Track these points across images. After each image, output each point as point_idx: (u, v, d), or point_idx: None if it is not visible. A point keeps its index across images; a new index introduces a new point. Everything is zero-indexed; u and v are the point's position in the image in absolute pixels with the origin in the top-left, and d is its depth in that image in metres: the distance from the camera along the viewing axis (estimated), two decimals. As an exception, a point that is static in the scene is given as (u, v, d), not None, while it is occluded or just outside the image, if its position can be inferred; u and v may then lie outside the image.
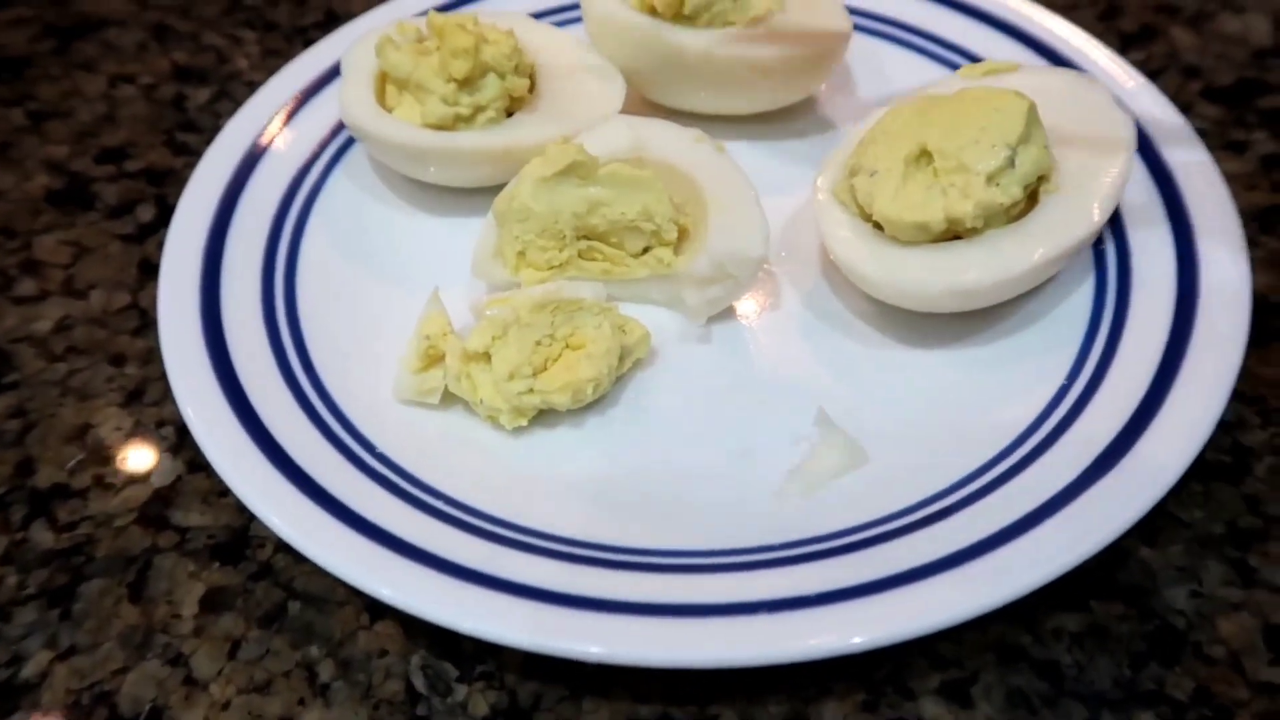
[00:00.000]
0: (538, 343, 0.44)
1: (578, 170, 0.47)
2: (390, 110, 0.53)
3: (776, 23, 0.55)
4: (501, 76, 0.52)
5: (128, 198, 0.61)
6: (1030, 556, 0.38)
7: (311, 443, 0.43)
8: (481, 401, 0.44)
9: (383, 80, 0.54)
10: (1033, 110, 0.46)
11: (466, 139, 0.52)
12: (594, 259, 0.50)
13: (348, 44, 0.61)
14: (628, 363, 0.47)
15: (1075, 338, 0.47)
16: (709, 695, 0.39)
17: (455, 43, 0.50)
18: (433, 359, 0.46)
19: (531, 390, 0.44)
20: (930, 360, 0.48)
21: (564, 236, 0.49)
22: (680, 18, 0.56)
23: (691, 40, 0.55)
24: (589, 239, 0.50)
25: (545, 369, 0.45)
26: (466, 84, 0.51)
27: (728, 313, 0.50)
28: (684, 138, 0.51)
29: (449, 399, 0.46)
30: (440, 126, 0.52)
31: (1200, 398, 0.42)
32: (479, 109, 0.52)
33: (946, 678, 0.39)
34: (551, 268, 0.50)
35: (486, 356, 0.44)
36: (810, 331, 0.50)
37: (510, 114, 0.54)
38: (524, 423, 0.45)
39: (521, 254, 0.49)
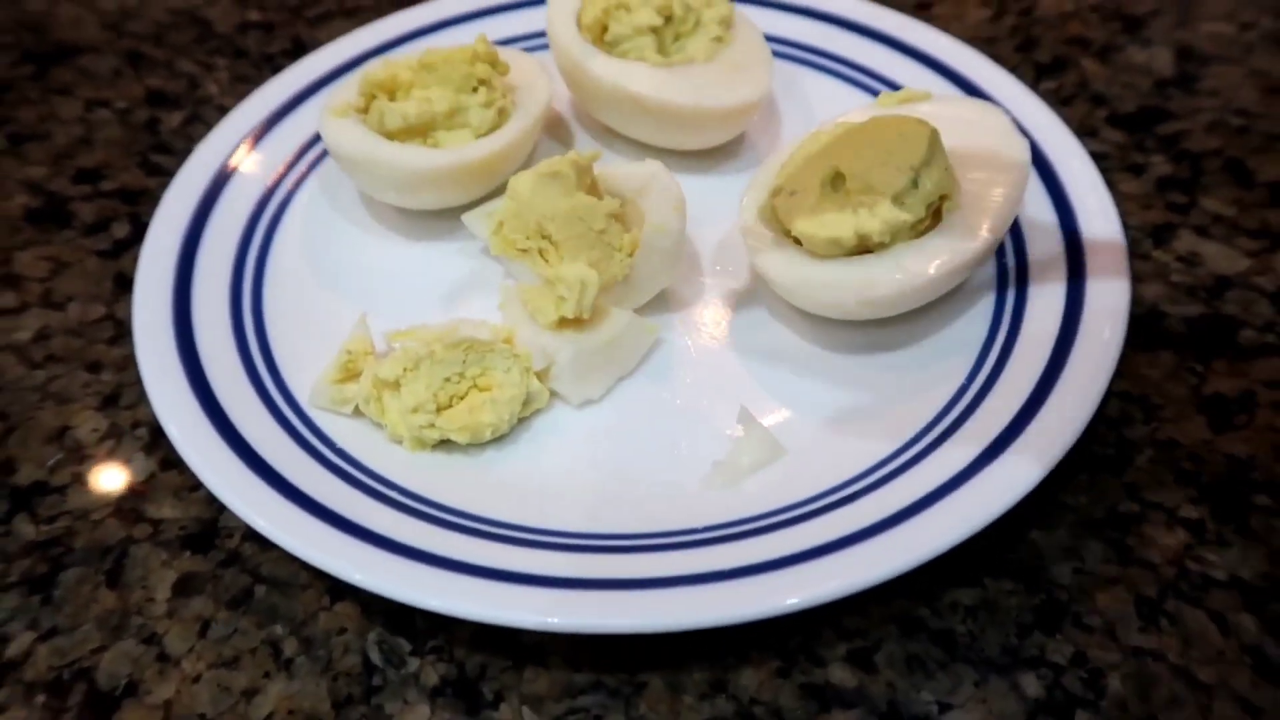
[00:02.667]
0: (447, 379, 0.48)
1: (560, 180, 0.52)
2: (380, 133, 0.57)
3: (692, 73, 0.60)
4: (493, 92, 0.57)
5: (103, 215, 0.64)
6: (923, 533, 0.42)
7: (276, 440, 0.47)
8: (387, 426, 0.48)
9: (364, 106, 0.58)
10: (935, 136, 0.51)
11: (458, 154, 0.56)
12: (541, 262, 0.54)
13: (312, 70, 0.66)
14: (529, 409, 0.50)
15: (976, 341, 0.52)
16: (637, 664, 0.43)
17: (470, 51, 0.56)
18: (350, 373, 0.50)
19: (433, 425, 0.47)
20: (845, 363, 0.52)
21: (530, 228, 0.53)
22: (602, 43, 0.61)
23: (605, 69, 0.59)
24: (548, 240, 0.54)
25: (450, 405, 0.48)
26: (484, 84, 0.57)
27: (662, 319, 0.55)
28: (643, 170, 0.56)
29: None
30: (426, 128, 0.56)
31: (1081, 393, 0.47)
32: (487, 104, 0.57)
33: (852, 646, 0.43)
34: (515, 249, 0.54)
35: (397, 385, 0.48)
36: (738, 337, 0.54)
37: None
38: (425, 450, 0.48)
39: (501, 224, 0.54)
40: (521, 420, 0.49)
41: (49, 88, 0.74)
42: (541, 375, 0.50)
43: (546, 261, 0.54)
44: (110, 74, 0.76)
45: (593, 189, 0.54)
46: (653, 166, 0.56)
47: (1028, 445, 0.45)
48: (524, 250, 0.54)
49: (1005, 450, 0.45)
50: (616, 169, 0.56)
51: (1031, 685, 0.42)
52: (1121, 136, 0.68)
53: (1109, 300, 0.51)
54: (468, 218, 0.57)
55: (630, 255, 0.52)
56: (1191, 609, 0.44)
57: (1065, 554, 0.46)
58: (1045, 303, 0.52)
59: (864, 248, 0.50)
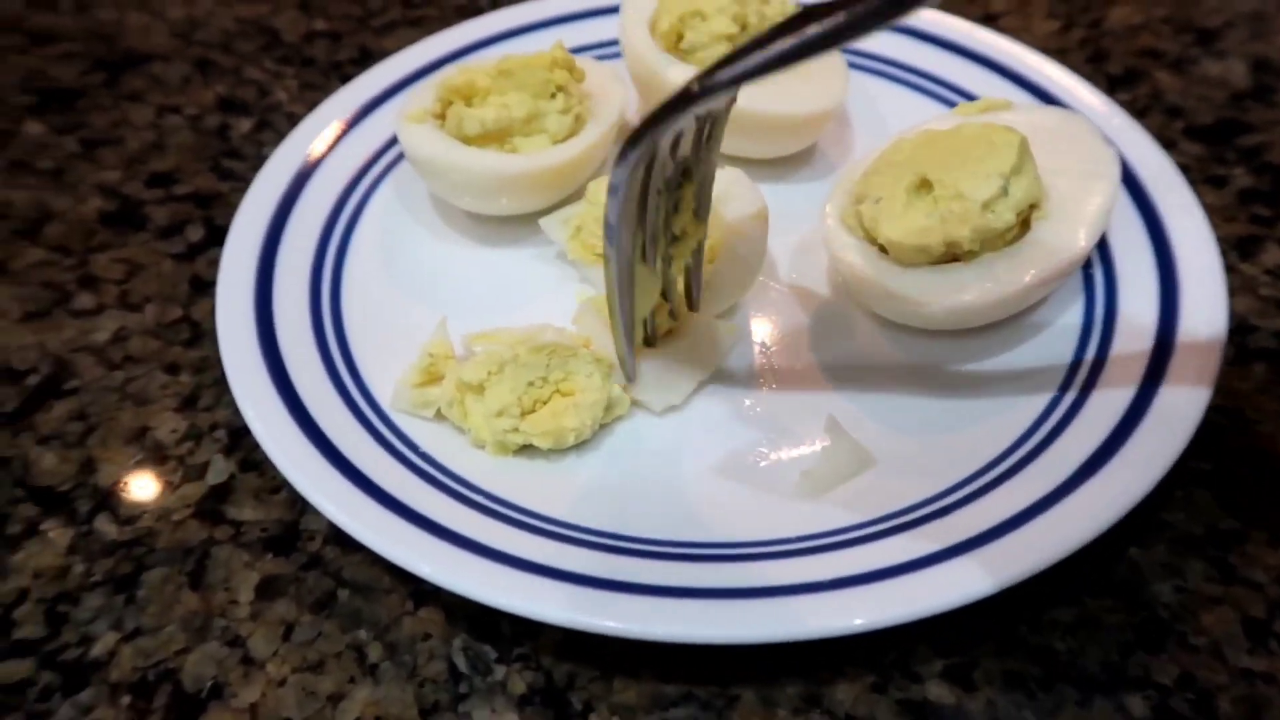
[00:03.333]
0: (530, 383, 0.48)
1: None
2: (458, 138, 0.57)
3: (767, 80, 0.59)
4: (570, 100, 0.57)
5: (177, 219, 0.64)
6: (1022, 549, 0.41)
7: (359, 440, 0.47)
8: (470, 430, 0.48)
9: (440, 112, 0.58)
10: (1024, 143, 0.50)
11: (536, 159, 0.56)
12: None
13: (386, 77, 0.67)
14: (611, 415, 0.49)
15: (1066, 354, 0.51)
16: (729, 676, 0.42)
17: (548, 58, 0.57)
18: (432, 376, 0.49)
19: (517, 430, 0.47)
20: (931, 373, 0.51)
21: None
22: (678, 50, 0.60)
23: (680, 77, 0.59)
24: None
25: (533, 410, 0.48)
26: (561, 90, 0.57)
27: (741, 325, 0.54)
28: (722, 177, 0.55)
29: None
30: (504, 134, 0.56)
31: (1179, 410, 0.46)
32: (565, 110, 0.57)
33: (949, 663, 0.42)
34: (593, 254, 0.54)
35: (481, 388, 0.47)
36: (820, 346, 0.53)
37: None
38: (508, 455, 0.48)
39: (579, 229, 0.54)
40: (603, 426, 0.49)
41: (120, 94, 0.75)
42: (624, 384, 0.49)
43: None
44: (180, 81, 0.76)
45: None
46: (733, 173, 0.55)
47: (1126, 462, 0.44)
48: (601, 255, 0.54)
49: (1103, 467, 0.44)
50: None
51: (1138, 706, 0.41)
52: (1200, 149, 0.67)
53: (1204, 312, 0.50)
54: (545, 222, 0.56)
55: (711, 262, 0.52)
56: (1302, 630, 0.43)
57: (1166, 572, 0.45)
58: (1137, 314, 0.51)
59: (952, 255, 0.50)
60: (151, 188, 0.67)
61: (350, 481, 0.44)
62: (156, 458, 0.51)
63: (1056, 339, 0.52)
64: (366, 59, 0.78)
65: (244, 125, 0.72)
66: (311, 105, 0.72)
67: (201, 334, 0.57)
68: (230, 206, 0.64)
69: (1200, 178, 0.65)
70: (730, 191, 0.54)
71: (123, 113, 0.74)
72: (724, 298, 0.53)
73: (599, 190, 0.53)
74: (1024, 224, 0.50)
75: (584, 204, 0.55)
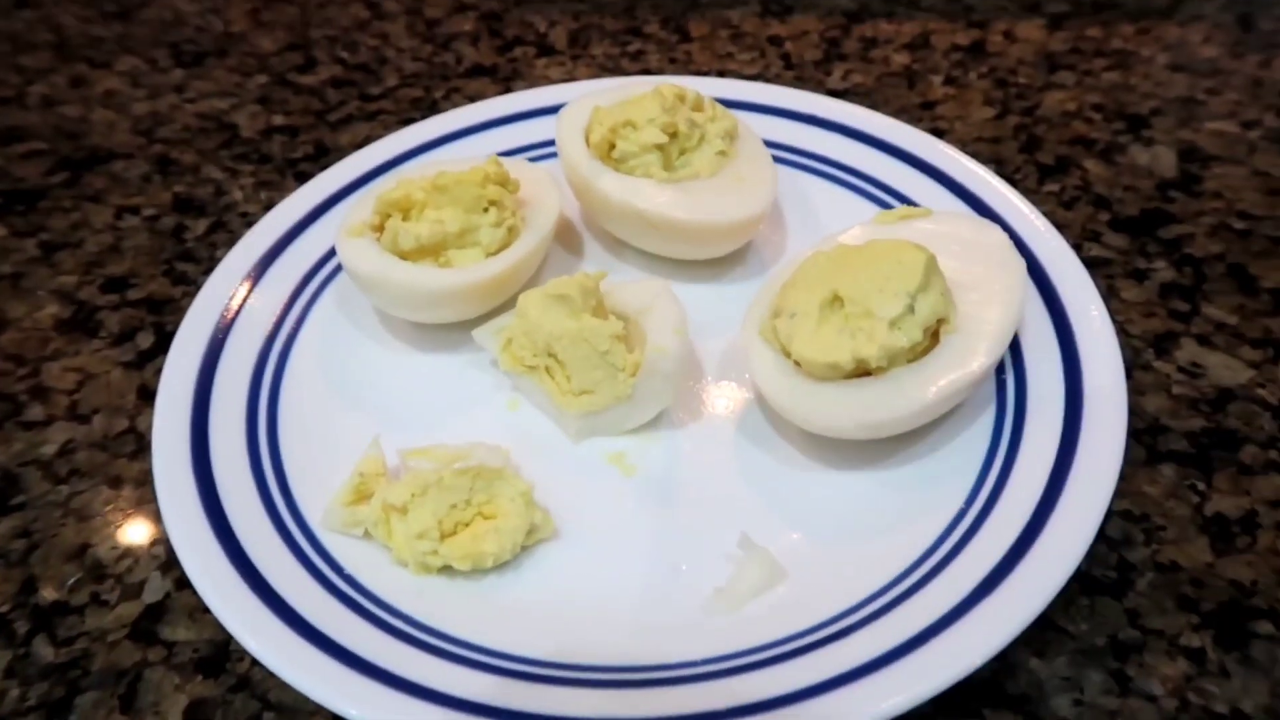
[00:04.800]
0: (453, 505, 0.49)
1: (567, 302, 0.54)
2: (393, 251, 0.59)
3: (697, 189, 0.61)
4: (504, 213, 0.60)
5: (129, 325, 0.66)
6: (925, 668, 0.42)
7: (286, 566, 0.48)
8: (393, 549, 0.49)
9: (379, 225, 0.60)
10: (931, 261, 0.52)
11: (470, 273, 0.58)
12: (548, 379, 0.56)
13: (333, 181, 0.69)
14: (533, 538, 0.50)
15: (975, 462, 0.52)
16: (637, 799, 0.43)
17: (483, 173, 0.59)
18: (362, 495, 0.51)
19: (435, 553, 0.48)
20: (845, 481, 0.53)
21: (537, 346, 0.55)
22: (610, 159, 0.63)
23: (613, 186, 0.61)
24: (555, 359, 0.55)
25: (454, 533, 0.49)
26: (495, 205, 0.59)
27: (664, 436, 0.56)
28: (648, 289, 0.57)
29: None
30: (438, 248, 0.58)
31: (1080, 522, 0.47)
32: (498, 224, 0.59)
33: (850, 781, 0.43)
34: (523, 365, 0.56)
35: (404, 510, 0.49)
36: (741, 453, 0.55)
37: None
38: (429, 575, 0.49)
39: (509, 341, 0.56)
40: (525, 548, 0.50)
41: (82, 194, 0.78)
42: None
43: (553, 379, 0.56)
44: (139, 180, 0.79)
45: (599, 308, 0.56)
46: (657, 286, 0.57)
47: (1028, 574, 0.45)
48: (531, 367, 0.56)
49: (1005, 580, 0.45)
50: (622, 287, 0.58)
51: (1031, 826, 0.42)
52: (1124, 241, 0.69)
53: (1108, 421, 0.51)
54: (478, 334, 0.58)
55: (633, 376, 0.54)
56: (1193, 745, 0.44)
57: (1065, 684, 0.46)
58: (1044, 421, 0.53)
59: (863, 370, 0.51)
60: (106, 293, 0.69)
61: (272, 612, 0.46)
62: (95, 576, 0.52)
63: (967, 447, 0.53)
64: (322, 154, 0.80)
65: (199, 226, 0.74)
66: (266, 204, 0.75)
67: (145, 446, 0.59)
68: (181, 311, 0.66)
69: (1123, 271, 0.67)
70: (654, 304, 0.56)
71: (83, 214, 0.76)
72: (646, 409, 0.55)
73: (529, 304, 0.55)
74: (934, 337, 0.52)
75: (514, 316, 0.56)
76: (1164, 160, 0.76)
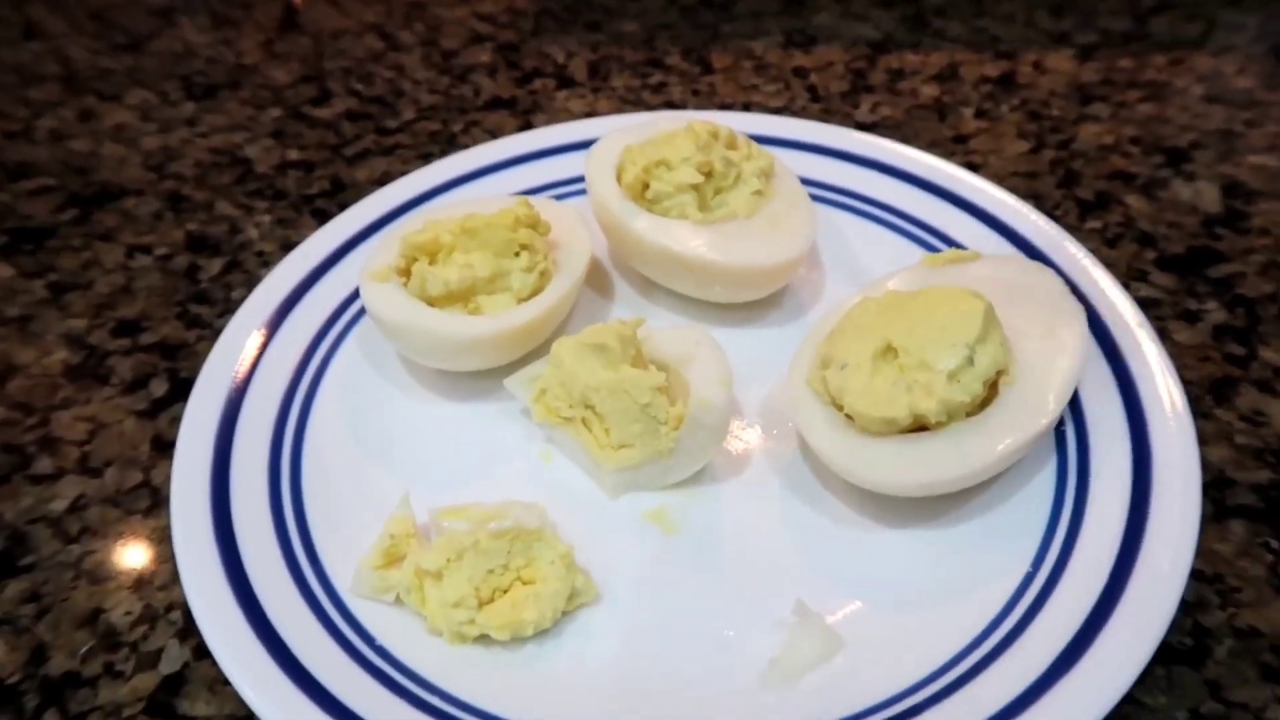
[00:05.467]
0: (490, 570, 0.46)
1: (605, 352, 0.51)
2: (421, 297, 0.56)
3: (733, 230, 0.59)
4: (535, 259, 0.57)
5: (142, 372, 0.64)
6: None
7: (313, 636, 0.45)
8: (427, 618, 0.47)
9: (405, 269, 0.57)
10: (990, 311, 0.49)
11: (501, 320, 0.55)
12: (584, 431, 0.53)
13: (354, 221, 0.66)
14: (574, 604, 0.48)
15: (1040, 522, 0.50)
16: None
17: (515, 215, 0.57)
18: (393, 558, 0.48)
19: (473, 621, 0.46)
20: (902, 541, 0.50)
21: (573, 397, 0.52)
22: (643, 200, 0.60)
23: (646, 227, 0.59)
24: (592, 410, 0.53)
25: (491, 600, 0.46)
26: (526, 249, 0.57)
27: (705, 491, 0.53)
28: (688, 338, 0.55)
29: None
30: (468, 293, 0.56)
31: (1160, 584, 0.44)
32: (529, 269, 0.56)
33: None
34: (558, 416, 0.53)
35: (439, 575, 0.46)
36: (789, 510, 0.52)
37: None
38: (464, 645, 0.46)
39: (543, 391, 0.54)
40: (565, 614, 0.48)
41: (92, 233, 0.75)
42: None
43: (590, 431, 0.53)
44: (151, 218, 0.76)
45: (637, 358, 0.53)
46: (698, 334, 0.55)
47: (1110, 645, 0.43)
48: (567, 419, 0.53)
49: (1086, 653, 0.43)
50: (661, 334, 0.55)
51: None
52: (1172, 281, 0.67)
53: (1181, 474, 0.49)
54: (510, 383, 0.56)
55: (675, 429, 0.51)
56: (1288, 832, 0.41)
57: (1147, 763, 0.44)
58: (1110, 477, 0.50)
59: (919, 425, 0.49)
60: (118, 337, 0.66)
61: (298, 686, 0.43)
62: (109, 644, 0.49)
63: (1029, 503, 0.51)
64: (338, 190, 0.78)
65: (214, 266, 0.72)
66: (281, 242, 0.72)
67: (160, 500, 0.56)
68: (196, 356, 0.63)
69: (1173, 313, 0.64)
70: (695, 354, 0.54)
71: (94, 253, 0.73)
72: (689, 464, 0.52)
73: (565, 355, 0.52)
74: (991, 389, 0.50)
75: (548, 365, 0.54)
76: (1207, 195, 0.74)
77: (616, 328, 0.53)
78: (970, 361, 0.48)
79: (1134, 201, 0.74)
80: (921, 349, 0.49)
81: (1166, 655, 0.47)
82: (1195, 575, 0.50)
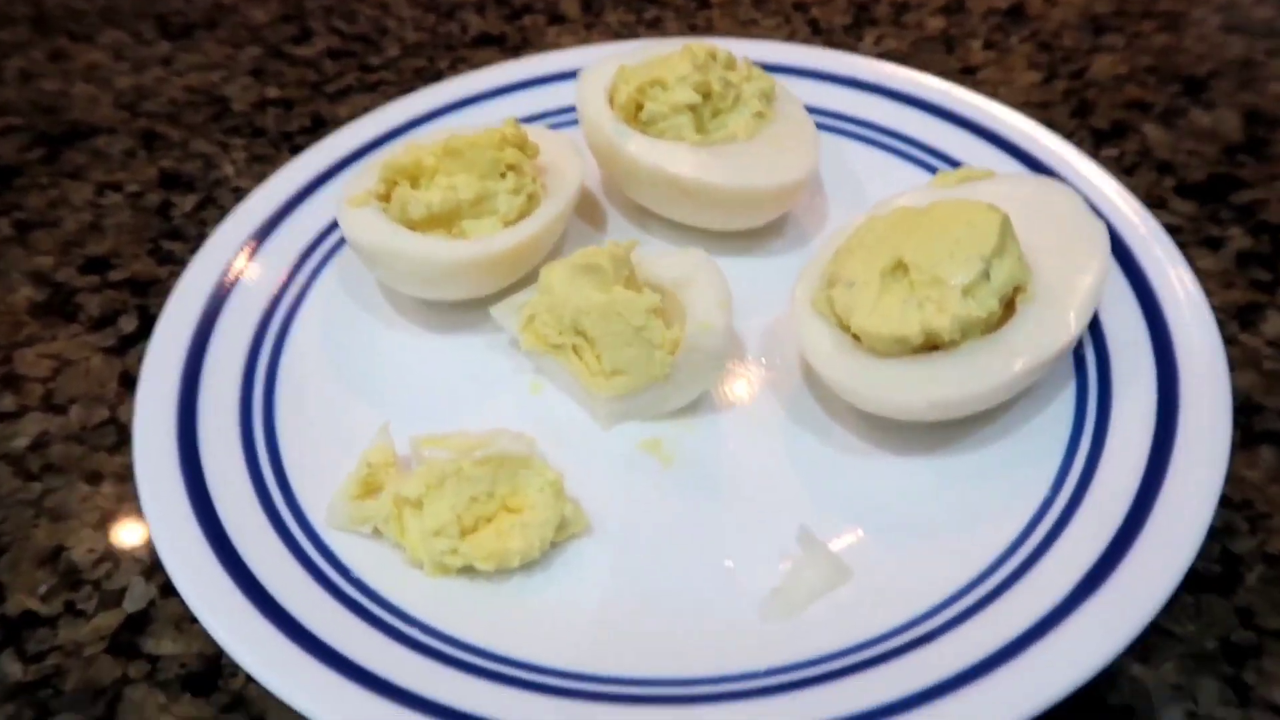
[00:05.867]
0: (474, 498, 0.44)
1: (596, 273, 0.48)
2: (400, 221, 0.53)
3: (733, 152, 0.56)
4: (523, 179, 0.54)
5: (110, 308, 0.61)
6: (1019, 685, 0.37)
7: (285, 569, 0.43)
8: (406, 549, 0.44)
9: (385, 194, 0.54)
10: (1006, 223, 0.46)
11: (486, 244, 0.52)
12: (575, 359, 0.50)
13: (330, 153, 0.63)
14: (564, 534, 0.45)
15: (1058, 446, 0.47)
16: (694, 834, 0.38)
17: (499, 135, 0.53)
18: (370, 488, 0.45)
19: (455, 551, 0.43)
20: (912, 469, 0.47)
21: (563, 323, 0.49)
22: (636, 122, 0.57)
23: (641, 150, 0.56)
24: (583, 337, 0.50)
25: (475, 529, 0.44)
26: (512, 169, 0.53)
27: (703, 421, 0.50)
28: (686, 260, 0.52)
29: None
30: (451, 217, 0.53)
31: (1187, 509, 0.42)
32: (516, 191, 0.53)
33: (938, 810, 0.38)
34: (547, 344, 0.50)
35: (419, 504, 0.43)
36: (792, 439, 0.49)
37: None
38: (448, 575, 0.43)
39: (532, 318, 0.50)
40: (554, 545, 0.45)
41: (60, 171, 0.72)
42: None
43: (581, 359, 0.50)
44: (123, 156, 0.73)
45: (630, 281, 0.50)
46: (696, 256, 0.52)
47: (1132, 573, 0.40)
48: (557, 346, 0.50)
49: (1106, 581, 0.40)
50: (656, 257, 0.52)
51: None
52: (1193, 208, 0.64)
53: (1207, 395, 0.46)
54: (496, 311, 0.53)
55: (672, 354, 0.48)
56: (1329, 764, 0.38)
57: (1175, 694, 0.41)
58: (1133, 400, 0.47)
59: (931, 345, 0.46)
60: (86, 274, 0.63)
61: (271, 621, 0.40)
62: (70, 583, 0.47)
63: (1047, 428, 0.48)
64: (319, 127, 0.75)
65: (188, 202, 0.69)
66: (260, 178, 0.69)
67: (127, 438, 0.53)
68: (168, 293, 0.60)
69: (1194, 240, 0.61)
70: (693, 277, 0.50)
71: (61, 191, 0.70)
72: (686, 391, 0.50)
73: (553, 277, 0.49)
74: (1008, 307, 0.47)
75: (537, 291, 0.51)
76: (1228, 123, 0.70)
77: (609, 249, 0.49)
78: (986, 276, 0.45)
79: (1151, 130, 0.70)
80: (934, 264, 0.45)
81: (1195, 583, 0.44)
82: (1223, 502, 0.47)
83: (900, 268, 0.47)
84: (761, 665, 0.40)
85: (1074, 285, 0.47)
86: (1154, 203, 0.64)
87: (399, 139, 0.64)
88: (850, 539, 0.45)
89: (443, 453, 0.46)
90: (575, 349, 0.50)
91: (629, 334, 0.48)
